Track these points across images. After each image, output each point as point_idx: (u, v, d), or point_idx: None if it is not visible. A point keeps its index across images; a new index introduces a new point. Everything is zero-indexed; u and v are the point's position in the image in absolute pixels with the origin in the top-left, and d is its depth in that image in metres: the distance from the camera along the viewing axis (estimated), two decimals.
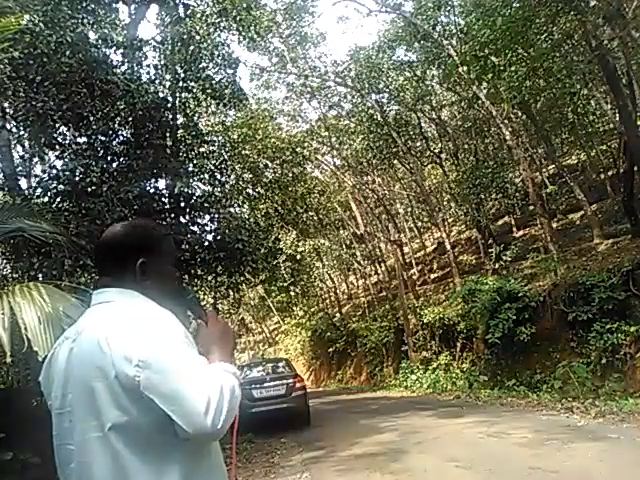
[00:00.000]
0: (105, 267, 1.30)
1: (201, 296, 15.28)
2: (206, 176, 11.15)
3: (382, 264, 24.51)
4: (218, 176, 11.43)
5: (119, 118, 8.49)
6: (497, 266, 15.33)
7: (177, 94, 10.50)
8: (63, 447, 1.15)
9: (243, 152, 17.27)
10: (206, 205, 9.90)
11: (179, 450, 1.09)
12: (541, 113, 16.33)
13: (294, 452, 7.54)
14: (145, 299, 1.23)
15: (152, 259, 1.28)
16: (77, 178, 7.73)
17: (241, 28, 11.77)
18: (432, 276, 22.18)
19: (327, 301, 31.38)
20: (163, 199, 9.25)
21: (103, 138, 8.34)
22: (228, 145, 14.22)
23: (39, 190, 7.94)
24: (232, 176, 14.80)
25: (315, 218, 22.33)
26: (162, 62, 10.40)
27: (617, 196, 14.31)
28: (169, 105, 9.88)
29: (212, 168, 11.32)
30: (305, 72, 22.64)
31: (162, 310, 1.20)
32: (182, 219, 9.60)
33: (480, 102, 16.24)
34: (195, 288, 11.82)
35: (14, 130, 8.51)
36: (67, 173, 7.74)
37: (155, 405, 1.04)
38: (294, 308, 28.87)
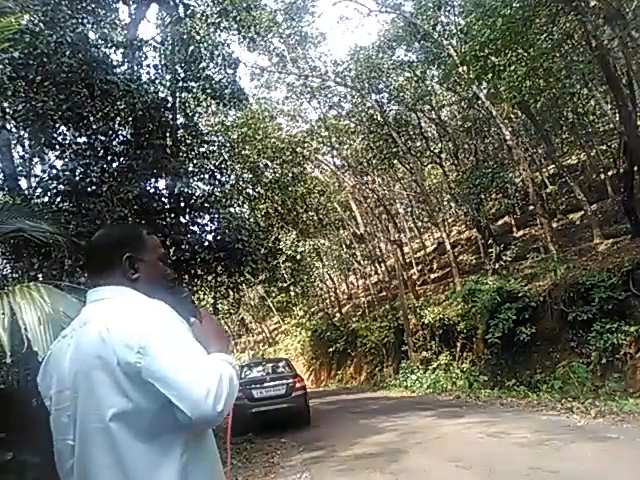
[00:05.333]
0: (95, 267, 1.34)
1: (201, 296, 15.26)
2: (206, 176, 11.14)
3: (382, 264, 24.51)
4: (218, 176, 11.42)
5: (119, 118, 8.48)
6: (497, 266, 15.33)
7: (177, 94, 10.48)
8: (62, 442, 1.17)
9: (243, 152, 17.30)
10: (206, 205, 9.89)
11: (178, 439, 1.12)
12: (541, 113, 16.33)
13: (294, 452, 7.54)
14: (138, 294, 1.26)
15: (138, 254, 1.33)
16: (77, 178, 7.72)
17: (241, 28, 11.76)
18: (432, 276, 22.18)
19: (327, 301, 31.36)
20: (163, 199, 9.24)
21: (103, 138, 8.32)
22: (228, 145, 14.22)
23: (39, 190, 7.92)
24: (232, 176, 14.79)
25: (315, 218, 22.33)
26: (162, 62, 10.37)
27: (617, 196, 14.31)
28: (169, 105, 9.87)
29: (212, 168, 11.30)
30: (305, 72, 22.64)
31: (158, 302, 1.22)
32: (182, 219, 9.60)
33: (480, 102, 16.25)
34: (195, 288, 11.81)
35: (14, 130, 8.50)
36: (67, 173, 7.74)
37: (156, 391, 1.07)
38: (294, 308, 28.88)
